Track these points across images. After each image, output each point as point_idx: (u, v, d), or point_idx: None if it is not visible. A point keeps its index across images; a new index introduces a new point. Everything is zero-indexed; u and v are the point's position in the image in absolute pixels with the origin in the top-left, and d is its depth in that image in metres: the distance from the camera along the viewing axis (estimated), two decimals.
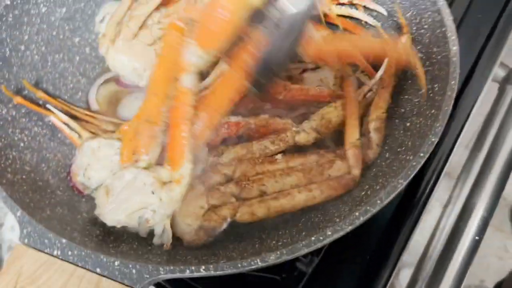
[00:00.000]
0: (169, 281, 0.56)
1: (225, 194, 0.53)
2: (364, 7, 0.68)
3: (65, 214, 0.52)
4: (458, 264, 0.70)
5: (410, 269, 0.73)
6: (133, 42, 0.65)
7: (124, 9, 0.65)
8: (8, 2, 0.60)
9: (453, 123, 0.67)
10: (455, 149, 0.76)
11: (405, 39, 0.59)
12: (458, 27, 0.74)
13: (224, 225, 0.52)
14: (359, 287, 0.57)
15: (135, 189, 0.51)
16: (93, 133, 0.61)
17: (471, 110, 0.71)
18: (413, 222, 0.62)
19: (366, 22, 0.68)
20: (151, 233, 0.53)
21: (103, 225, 0.53)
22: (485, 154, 0.81)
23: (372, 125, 0.55)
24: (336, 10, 0.68)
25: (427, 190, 0.62)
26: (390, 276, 0.59)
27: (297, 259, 0.57)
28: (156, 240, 0.53)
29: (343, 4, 0.68)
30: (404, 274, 0.67)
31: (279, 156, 0.56)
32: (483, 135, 0.86)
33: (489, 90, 1.04)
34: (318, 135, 0.57)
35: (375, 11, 0.67)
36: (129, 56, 0.65)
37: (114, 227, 0.53)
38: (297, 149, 0.58)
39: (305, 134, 0.57)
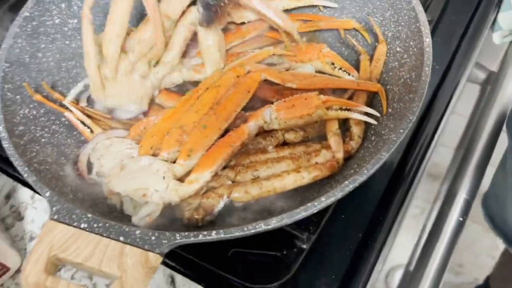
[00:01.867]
0: (177, 258, 0.61)
1: (221, 177, 0.59)
2: None
3: (85, 199, 0.57)
4: (444, 242, 0.76)
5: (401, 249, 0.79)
6: (117, 77, 0.67)
7: (92, 52, 0.65)
8: (27, 14, 0.66)
9: (434, 112, 0.74)
10: (439, 148, 0.83)
11: (382, 47, 0.67)
12: (434, 28, 0.83)
13: (221, 204, 0.57)
14: (353, 259, 0.62)
15: (148, 172, 0.56)
16: (104, 129, 0.67)
17: (449, 102, 0.77)
18: (400, 202, 0.68)
19: (324, 6, 0.76)
20: None
21: (118, 208, 0.59)
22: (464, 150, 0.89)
23: (353, 120, 0.62)
24: (295, 3, 0.76)
25: (414, 168, 0.68)
26: (380, 250, 0.64)
27: (295, 236, 0.62)
28: (135, 220, 0.56)
29: None
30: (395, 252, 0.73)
31: (270, 147, 0.62)
32: (465, 134, 0.93)
33: (471, 92, 1.12)
34: (305, 133, 0.64)
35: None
36: (120, 92, 0.68)
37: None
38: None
39: (293, 132, 0.64)
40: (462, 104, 1.25)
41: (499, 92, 0.97)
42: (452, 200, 0.80)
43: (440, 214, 0.79)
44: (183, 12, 0.67)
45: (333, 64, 0.70)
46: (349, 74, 0.69)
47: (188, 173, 0.57)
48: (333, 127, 0.62)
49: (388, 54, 0.67)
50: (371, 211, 0.66)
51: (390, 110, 0.61)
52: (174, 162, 0.59)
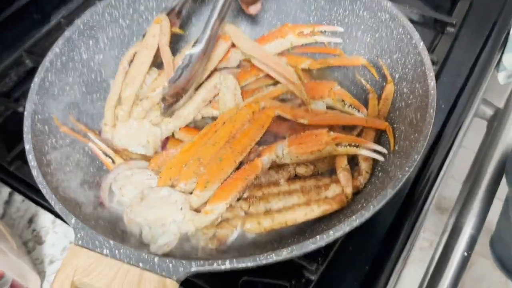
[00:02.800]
0: (191, 285, 0.64)
1: (235, 208, 0.62)
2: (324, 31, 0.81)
3: (106, 226, 0.61)
4: (449, 277, 0.78)
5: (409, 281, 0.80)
6: (130, 121, 0.72)
7: (116, 93, 0.72)
8: (58, 50, 0.71)
9: (440, 148, 0.77)
10: (448, 181, 0.85)
11: (390, 87, 0.71)
12: (441, 67, 0.86)
13: (235, 234, 0.60)
14: None
15: (167, 202, 0.60)
16: (124, 159, 0.70)
17: (454, 139, 0.80)
18: (407, 235, 0.70)
19: (329, 43, 0.81)
20: None
21: (137, 236, 0.62)
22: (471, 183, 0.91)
23: (361, 156, 0.66)
24: (302, 40, 0.81)
25: (420, 202, 0.71)
26: (387, 283, 0.66)
27: (304, 267, 0.65)
28: (153, 248, 0.59)
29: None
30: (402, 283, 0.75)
31: (282, 180, 0.66)
32: (473, 168, 0.96)
33: (479, 127, 1.15)
34: (315, 167, 0.68)
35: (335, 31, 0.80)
36: (129, 135, 0.72)
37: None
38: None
39: (304, 166, 0.67)
40: (470, 138, 1.28)
41: (505, 129, 1.00)
42: (458, 234, 0.82)
43: (446, 248, 0.81)
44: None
45: (343, 101, 0.74)
46: (358, 111, 0.73)
47: (204, 204, 0.61)
48: (343, 162, 0.65)
49: (395, 94, 0.70)
50: (378, 244, 0.69)
51: (396, 148, 0.64)
52: (191, 193, 0.62)
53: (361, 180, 0.64)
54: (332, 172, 0.68)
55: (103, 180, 0.67)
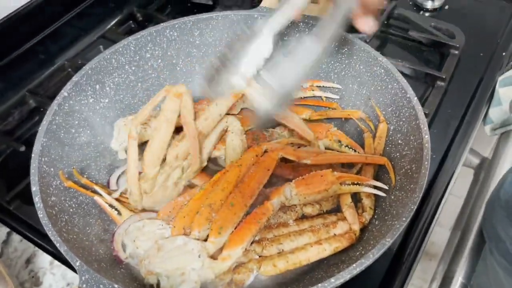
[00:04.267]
0: None
1: (250, 252, 0.63)
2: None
3: (108, 269, 0.61)
4: None
5: None
6: (154, 190, 0.71)
7: (134, 171, 0.69)
8: (66, 94, 0.74)
9: (432, 197, 0.79)
10: (436, 228, 0.87)
11: (383, 125, 0.75)
12: (431, 120, 0.90)
13: (252, 278, 0.62)
14: None
15: (184, 251, 0.61)
16: (131, 210, 0.72)
17: (446, 188, 0.83)
18: (400, 285, 0.72)
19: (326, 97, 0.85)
20: None
21: (140, 281, 0.62)
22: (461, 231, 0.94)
23: (364, 193, 0.69)
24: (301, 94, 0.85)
25: (413, 252, 0.73)
26: None
27: None
28: None
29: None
30: None
31: (290, 221, 0.68)
32: (461, 215, 0.98)
33: (466, 175, 1.18)
34: (320, 206, 0.70)
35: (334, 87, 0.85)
36: (156, 202, 0.72)
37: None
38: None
39: (310, 206, 0.70)
40: (457, 185, 1.31)
41: (492, 178, 1.03)
42: (449, 283, 0.84)
43: None
44: None
45: (339, 141, 0.78)
46: (354, 151, 0.77)
47: (219, 250, 0.62)
48: (347, 200, 0.69)
49: (390, 145, 0.74)
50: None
51: (392, 197, 0.67)
52: (205, 240, 0.63)
53: (366, 216, 0.67)
54: (337, 209, 0.71)
55: (116, 231, 0.67)
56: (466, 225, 0.95)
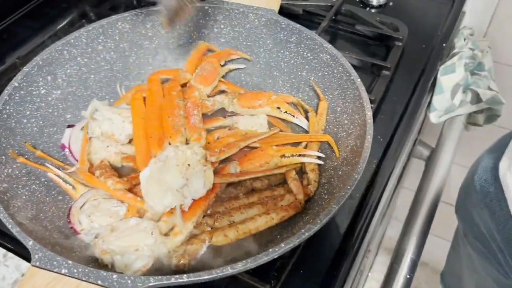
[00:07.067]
0: None
1: (202, 225, 0.66)
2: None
3: (63, 252, 0.61)
4: None
5: None
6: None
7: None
8: (16, 84, 0.73)
9: (379, 177, 0.83)
10: (393, 222, 0.90)
11: (322, 103, 0.80)
12: (378, 106, 0.95)
13: (204, 248, 0.64)
14: None
15: (137, 230, 0.62)
16: (86, 185, 0.72)
17: (392, 170, 0.87)
18: (350, 263, 0.74)
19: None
20: None
21: (95, 261, 0.63)
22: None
23: (308, 167, 0.73)
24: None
25: (360, 236, 0.75)
26: None
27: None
28: (129, 274, 0.60)
29: None
30: None
31: (240, 195, 0.71)
32: (413, 207, 1.03)
33: (417, 167, 1.23)
34: (269, 181, 0.74)
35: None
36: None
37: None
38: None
39: (259, 181, 0.73)
40: (411, 179, 1.37)
41: (436, 166, 1.09)
42: (400, 259, 0.88)
43: (391, 271, 0.87)
44: None
45: (279, 108, 0.82)
46: (293, 116, 0.81)
47: (171, 229, 0.64)
48: (292, 173, 0.73)
49: (337, 126, 0.77)
50: (326, 267, 0.73)
51: (340, 173, 0.70)
52: (158, 220, 0.65)
53: (311, 188, 0.71)
54: (284, 184, 0.74)
55: (73, 205, 0.68)
56: (413, 213, 0.99)
